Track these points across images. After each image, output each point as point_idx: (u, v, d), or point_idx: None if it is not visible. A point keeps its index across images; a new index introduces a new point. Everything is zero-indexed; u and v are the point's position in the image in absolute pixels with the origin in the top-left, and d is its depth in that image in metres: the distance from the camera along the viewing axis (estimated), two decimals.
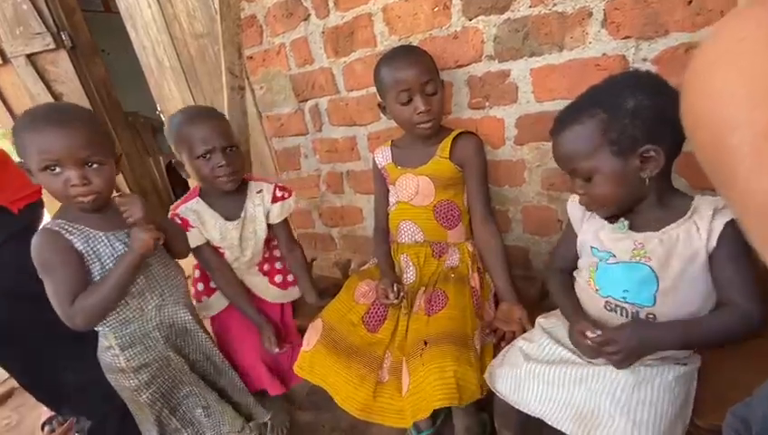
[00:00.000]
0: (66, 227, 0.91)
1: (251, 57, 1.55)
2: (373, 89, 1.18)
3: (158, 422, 1.03)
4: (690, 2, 0.80)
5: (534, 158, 1.10)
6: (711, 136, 0.26)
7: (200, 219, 1.18)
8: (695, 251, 0.68)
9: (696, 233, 0.68)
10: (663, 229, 0.70)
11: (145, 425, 1.04)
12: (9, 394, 1.97)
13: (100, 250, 0.92)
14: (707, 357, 0.78)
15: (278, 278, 1.29)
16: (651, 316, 0.72)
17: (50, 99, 2.43)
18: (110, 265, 0.92)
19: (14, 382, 2.01)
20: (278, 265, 1.30)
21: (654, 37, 0.86)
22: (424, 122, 1.05)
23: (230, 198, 1.20)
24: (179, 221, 1.17)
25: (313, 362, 1.04)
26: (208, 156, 1.11)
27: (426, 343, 0.92)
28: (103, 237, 0.93)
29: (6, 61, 2.37)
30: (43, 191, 1.02)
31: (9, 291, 1.10)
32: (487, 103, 1.12)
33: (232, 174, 1.13)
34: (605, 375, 0.71)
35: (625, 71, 0.83)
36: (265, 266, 1.29)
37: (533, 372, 0.79)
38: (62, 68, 2.38)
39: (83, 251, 0.91)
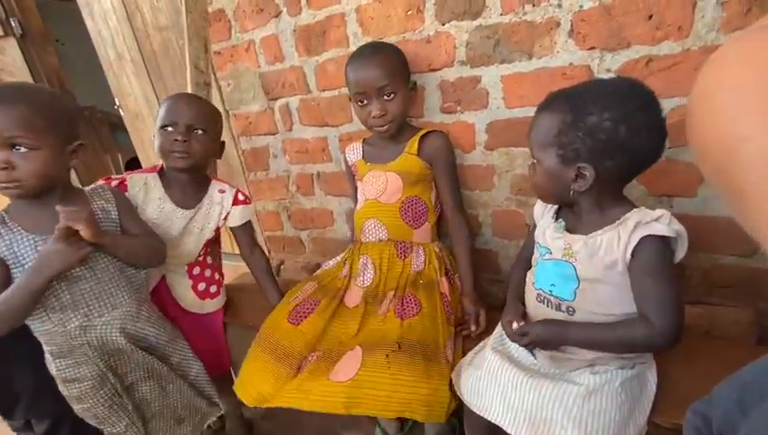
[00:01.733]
0: None
1: (218, 52, 1.49)
2: (345, 89, 1.16)
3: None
4: (650, 17, 0.84)
5: (504, 163, 1.12)
6: (721, 151, 0.27)
7: (146, 193, 1.11)
8: (614, 259, 0.71)
9: (616, 243, 0.70)
10: (590, 234, 0.74)
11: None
12: None
13: (24, 254, 0.83)
14: (666, 357, 0.81)
15: (201, 286, 1.22)
16: (570, 309, 0.76)
17: None
18: None
19: None
20: (207, 273, 1.24)
21: (617, 49, 0.89)
22: (378, 126, 1.07)
23: (189, 188, 1.16)
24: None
25: (246, 365, 1.02)
26: (169, 128, 1.07)
27: (399, 346, 0.90)
28: (30, 240, 0.83)
29: None
30: None
31: None
32: (459, 108, 1.13)
33: (186, 152, 1.08)
34: (557, 385, 0.75)
35: (624, 77, 0.84)
36: (195, 270, 1.21)
37: (492, 371, 0.81)
38: (10, 56, 2.22)
39: (4, 254, 0.82)
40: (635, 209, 0.72)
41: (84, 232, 0.81)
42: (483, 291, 1.16)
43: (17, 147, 0.78)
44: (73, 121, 0.88)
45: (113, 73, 1.98)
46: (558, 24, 0.93)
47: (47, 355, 0.92)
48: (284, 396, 0.91)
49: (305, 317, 1.04)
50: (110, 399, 0.93)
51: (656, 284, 0.68)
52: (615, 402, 0.72)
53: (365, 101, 1.06)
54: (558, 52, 0.95)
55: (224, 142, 1.21)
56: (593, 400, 0.72)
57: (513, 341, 0.83)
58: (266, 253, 1.31)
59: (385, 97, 1.04)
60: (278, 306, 1.11)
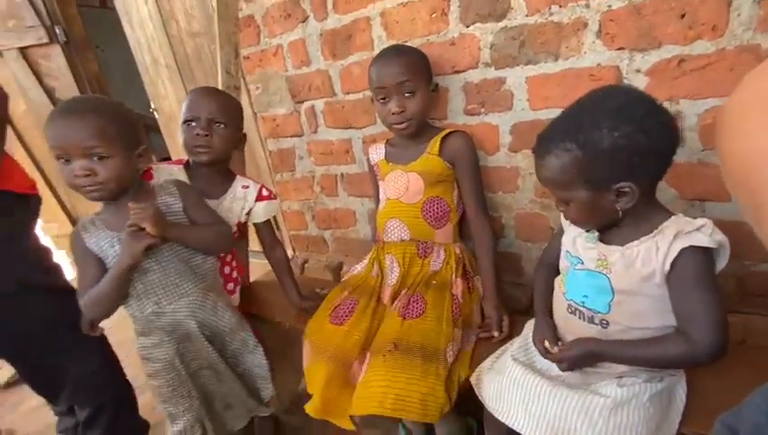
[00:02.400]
0: (88, 223, 0.96)
1: (247, 57, 1.54)
2: (369, 92, 1.18)
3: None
4: (683, 16, 0.82)
5: (528, 165, 1.11)
6: (746, 169, 0.28)
7: None
8: (651, 271, 0.68)
9: (654, 253, 0.67)
10: (627, 244, 0.71)
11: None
12: None
13: (105, 250, 0.94)
14: (696, 367, 0.79)
15: None
16: (604, 322, 0.74)
17: (41, 93, 2.40)
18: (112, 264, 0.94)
19: None
20: (226, 270, 1.25)
21: (647, 49, 0.87)
22: (397, 123, 1.08)
23: (214, 181, 1.19)
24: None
25: (310, 376, 1.04)
26: (192, 123, 1.11)
27: (396, 346, 0.92)
28: (110, 237, 0.94)
29: None
30: None
31: (23, 280, 1.09)
32: (483, 110, 1.13)
33: (208, 147, 1.12)
34: (582, 396, 0.73)
35: (612, 88, 0.80)
36: None
37: (514, 379, 0.80)
38: (55, 62, 2.36)
39: (95, 250, 0.94)
40: (673, 217, 0.69)
41: (150, 228, 0.89)
42: (505, 295, 1.15)
43: (94, 156, 0.87)
44: (137, 128, 0.97)
45: (149, 78, 2.08)
46: (585, 25, 0.92)
47: (134, 333, 1.02)
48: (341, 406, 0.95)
49: (347, 318, 1.06)
50: (175, 383, 1.01)
51: (697, 298, 0.65)
52: (642, 417, 0.70)
53: (385, 98, 1.07)
54: (585, 52, 0.94)
55: (245, 134, 1.24)
56: (620, 413, 0.70)
57: (541, 354, 0.82)
58: (290, 251, 1.33)
59: (405, 94, 1.05)
60: (318, 312, 1.13)
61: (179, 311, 1.00)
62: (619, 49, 0.90)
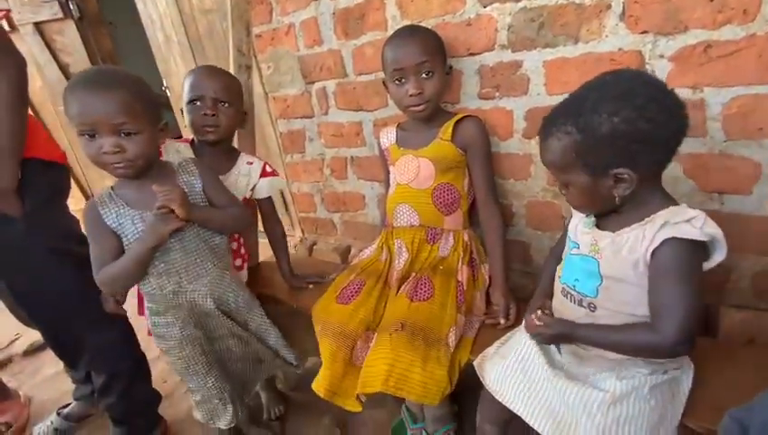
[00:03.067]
0: (106, 198, 0.94)
1: (259, 35, 1.52)
2: (381, 74, 1.16)
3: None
4: None
5: None
6: None
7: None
8: (636, 259, 0.67)
9: (640, 241, 0.67)
10: (618, 231, 0.71)
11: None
12: (8, 361, 2.00)
13: (126, 227, 0.93)
14: (705, 363, 0.78)
15: None
16: (592, 305, 0.75)
17: (56, 69, 2.41)
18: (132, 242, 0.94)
19: (13, 350, 2.04)
20: (233, 246, 1.26)
21: (673, 33, 0.84)
22: (414, 105, 1.06)
23: (219, 159, 1.20)
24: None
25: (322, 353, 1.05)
26: (197, 103, 1.12)
27: (403, 326, 0.93)
28: (131, 215, 0.93)
29: (14, 28, 2.35)
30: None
31: (55, 249, 1.12)
32: (497, 94, 1.10)
33: (215, 126, 1.13)
34: (581, 389, 0.74)
35: (622, 71, 0.74)
36: None
37: (520, 359, 0.82)
38: (69, 38, 2.36)
39: (113, 225, 0.93)
40: (671, 207, 0.68)
41: (178, 210, 0.89)
42: (513, 283, 1.14)
43: (122, 132, 0.85)
44: (157, 103, 0.96)
45: (162, 55, 2.07)
46: (609, 7, 0.88)
47: (147, 311, 1.04)
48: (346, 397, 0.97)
49: (353, 297, 1.07)
50: (189, 360, 1.04)
51: (669, 290, 0.64)
52: (643, 409, 0.70)
53: (402, 79, 1.05)
54: (607, 36, 0.91)
55: (246, 113, 1.25)
56: (618, 407, 0.70)
57: (528, 332, 0.83)
58: (299, 233, 1.34)
59: (423, 75, 1.03)
60: (325, 294, 1.14)
61: (198, 290, 1.01)
62: (642, 33, 0.86)
